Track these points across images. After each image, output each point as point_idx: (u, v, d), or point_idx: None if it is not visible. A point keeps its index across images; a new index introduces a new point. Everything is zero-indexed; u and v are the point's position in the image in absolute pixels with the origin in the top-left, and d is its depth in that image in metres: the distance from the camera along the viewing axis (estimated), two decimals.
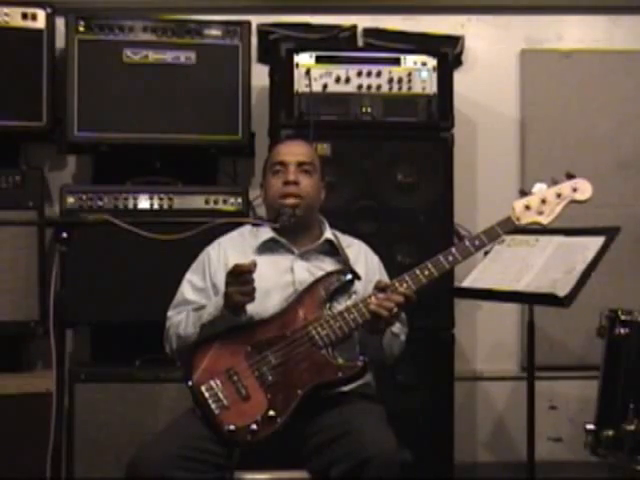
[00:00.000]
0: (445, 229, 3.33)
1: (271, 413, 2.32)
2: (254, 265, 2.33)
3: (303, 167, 2.59)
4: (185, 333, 2.48)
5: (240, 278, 2.32)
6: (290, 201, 2.53)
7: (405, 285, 2.41)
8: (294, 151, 2.63)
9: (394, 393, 3.19)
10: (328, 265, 2.57)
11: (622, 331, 2.79)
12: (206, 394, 2.35)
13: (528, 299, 2.82)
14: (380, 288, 2.41)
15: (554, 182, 2.55)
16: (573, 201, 2.53)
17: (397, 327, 2.53)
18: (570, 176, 2.55)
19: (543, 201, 2.52)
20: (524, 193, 2.55)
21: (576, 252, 2.73)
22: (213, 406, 2.34)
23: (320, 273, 2.51)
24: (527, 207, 2.52)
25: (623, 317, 2.80)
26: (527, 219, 2.52)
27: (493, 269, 2.87)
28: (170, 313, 2.59)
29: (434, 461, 3.25)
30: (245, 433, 2.30)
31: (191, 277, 2.61)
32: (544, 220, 2.52)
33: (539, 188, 2.54)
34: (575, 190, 2.53)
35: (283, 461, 2.37)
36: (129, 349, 3.23)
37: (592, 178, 2.56)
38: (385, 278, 2.60)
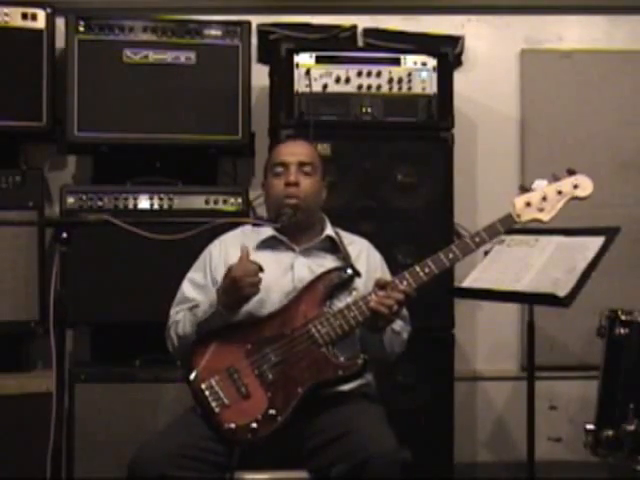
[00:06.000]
0: (445, 229, 3.33)
1: (271, 412, 2.32)
2: (248, 253, 2.36)
3: (304, 168, 2.58)
4: (184, 333, 2.48)
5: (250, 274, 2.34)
6: (292, 202, 2.53)
7: (405, 283, 2.41)
8: (295, 151, 2.62)
9: (394, 393, 3.19)
10: (329, 262, 2.56)
11: (622, 331, 2.79)
12: (206, 392, 2.36)
13: (528, 299, 2.83)
14: (380, 286, 2.40)
15: (555, 178, 2.52)
16: (574, 198, 2.51)
17: (399, 325, 2.52)
18: (571, 172, 2.53)
19: (544, 198, 2.50)
20: (524, 189, 2.53)
21: (576, 252, 2.73)
22: (213, 404, 2.35)
23: (320, 270, 2.50)
24: (528, 204, 2.50)
25: (623, 317, 2.80)
26: (528, 216, 2.50)
27: (493, 269, 2.87)
28: (171, 311, 2.59)
29: (434, 461, 3.25)
30: (245, 432, 2.31)
31: (192, 275, 2.62)
32: (545, 217, 2.50)
33: (539, 184, 2.52)
34: (576, 187, 2.51)
35: (283, 460, 2.37)
36: (129, 349, 3.23)
37: (592, 178, 2.55)
38: (387, 276, 2.59)
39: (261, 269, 2.36)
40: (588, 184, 2.52)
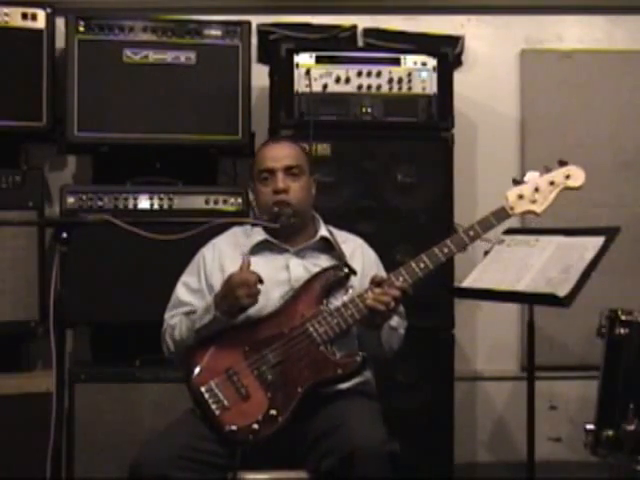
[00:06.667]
0: (445, 229, 3.31)
1: (272, 412, 2.32)
2: (249, 262, 2.36)
3: (291, 171, 2.55)
4: (180, 338, 2.48)
5: (250, 284, 2.33)
6: (284, 209, 2.51)
7: (401, 279, 2.40)
8: (279, 155, 2.57)
9: (394, 392, 3.19)
10: (324, 262, 2.55)
11: (622, 331, 2.78)
12: (206, 395, 2.36)
13: (528, 299, 2.82)
14: (376, 282, 2.40)
15: (547, 170, 2.53)
16: (566, 188, 2.52)
17: (395, 321, 2.51)
18: (562, 163, 2.53)
19: (536, 189, 2.50)
20: (517, 182, 2.53)
21: (576, 252, 2.73)
22: (213, 407, 2.34)
23: (316, 269, 2.50)
24: (520, 196, 2.50)
25: (623, 317, 2.79)
26: (521, 208, 2.51)
27: (493, 269, 2.87)
28: (166, 315, 2.58)
29: (434, 461, 3.26)
30: (247, 433, 2.31)
31: (186, 279, 2.60)
32: (538, 209, 2.51)
33: (532, 176, 2.52)
34: (568, 177, 2.51)
35: (284, 459, 2.37)
36: (129, 349, 3.24)
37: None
38: (382, 272, 2.59)
39: (261, 281, 2.35)
40: (580, 174, 2.52)
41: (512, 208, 2.50)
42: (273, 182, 2.54)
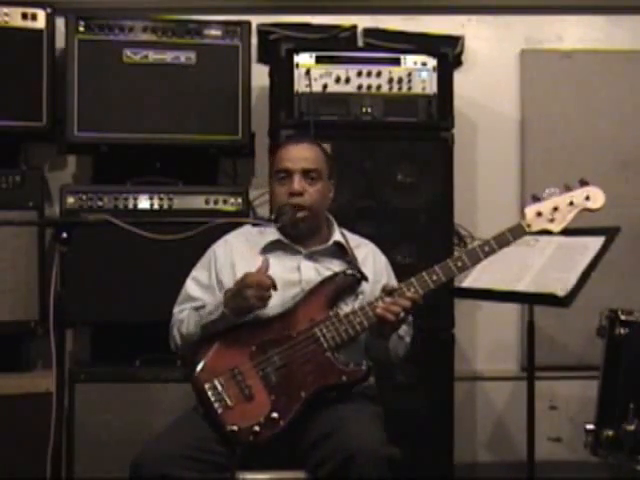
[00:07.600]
0: (445, 229, 3.34)
1: (274, 415, 2.32)
2: (267, 265, 2.35)
3: (308, 174, 2.53)
4: (187, 332, 2.48)
5: (263, 287, 2.33)
6: (299, 215, 2.50)
7: (412, 289, 2.39)
8: (299, 157, 2.55)
9: (394, 393, 3.19)
10: (336, 266, 2.54)
11: (622, 331, 2.79)
12: (209, 392, 2.35)
13: (528, 299, 2.83)
14: (387, 292, 2.39)
15: (567, 189, 2.47)
16: (585, 209, 2.47)
17: (403, 329, 2.51)
18: (583, 183, 2.48)
19: (555, 208, 2.45)
20: (536, 199, 2.48)
21: (576, 252, 2.73)
22: (216, 405, 2.34)
23: (327, 273, 2.49)
24: (539, 214, 2.45)
25: (623, 317, 2.80)
26: (538, 226, 2.46)
27: (493, 269, 2.87)
28: (175, 310, 2.58)
29: (434, 461, 3.26)
30: (247, 434, 2.30)
31: (196, 274, 2.60)
32: (555, 228, 2.46)
33: (551, 194, 2.47)
34: (587, 198, 2.46)
35: (283, 459, 2.37)
36: (129, 349, 3.23)
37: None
38: (392, 279, 2.59)
39: (275, 287, 2.34)
40: (600, 196, 2.47)
41: (529, 225, 2.45)
42: (289, 183, 2.52)
